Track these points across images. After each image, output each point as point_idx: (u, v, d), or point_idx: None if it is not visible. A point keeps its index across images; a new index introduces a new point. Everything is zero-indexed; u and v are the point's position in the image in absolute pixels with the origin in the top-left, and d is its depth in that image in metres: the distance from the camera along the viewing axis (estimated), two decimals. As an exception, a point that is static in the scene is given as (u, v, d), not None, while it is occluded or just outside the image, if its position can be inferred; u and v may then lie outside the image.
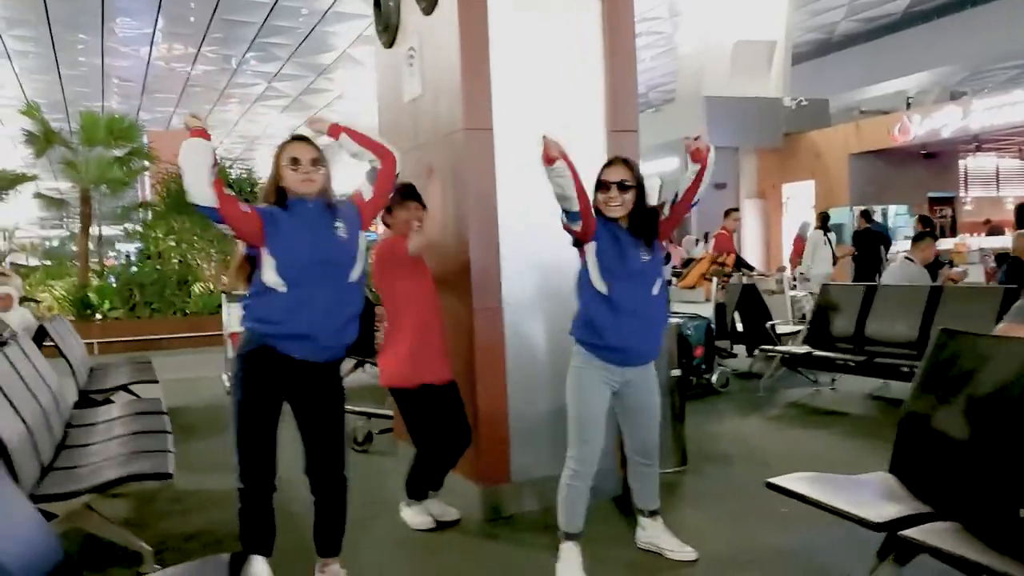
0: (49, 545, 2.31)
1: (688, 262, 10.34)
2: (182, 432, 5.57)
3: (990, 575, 2.54)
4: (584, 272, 3.55)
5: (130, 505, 4.85)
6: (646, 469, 3.78)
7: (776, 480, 3.32)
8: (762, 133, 18.33)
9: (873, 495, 3.23)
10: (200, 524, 4.59)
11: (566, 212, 3.44)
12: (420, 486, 4.32)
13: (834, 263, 13.32)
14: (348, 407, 3.47)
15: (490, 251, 4.37)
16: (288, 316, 3.13)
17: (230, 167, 16.00)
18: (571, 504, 3.58)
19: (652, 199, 3.64)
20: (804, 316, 10.62)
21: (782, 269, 11.28)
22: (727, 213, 10.79)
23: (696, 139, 3.55)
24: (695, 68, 18.16)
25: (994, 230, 17.49)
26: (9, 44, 20.08)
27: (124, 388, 6.54)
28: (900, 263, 7.71)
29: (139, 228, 15.94)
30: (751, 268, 9.71)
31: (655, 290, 3.56)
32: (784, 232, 19.16)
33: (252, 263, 3.25)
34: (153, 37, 20.44)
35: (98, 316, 13.72)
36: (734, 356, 8.66)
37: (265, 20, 19.20)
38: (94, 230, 15.71)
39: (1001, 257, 11.53)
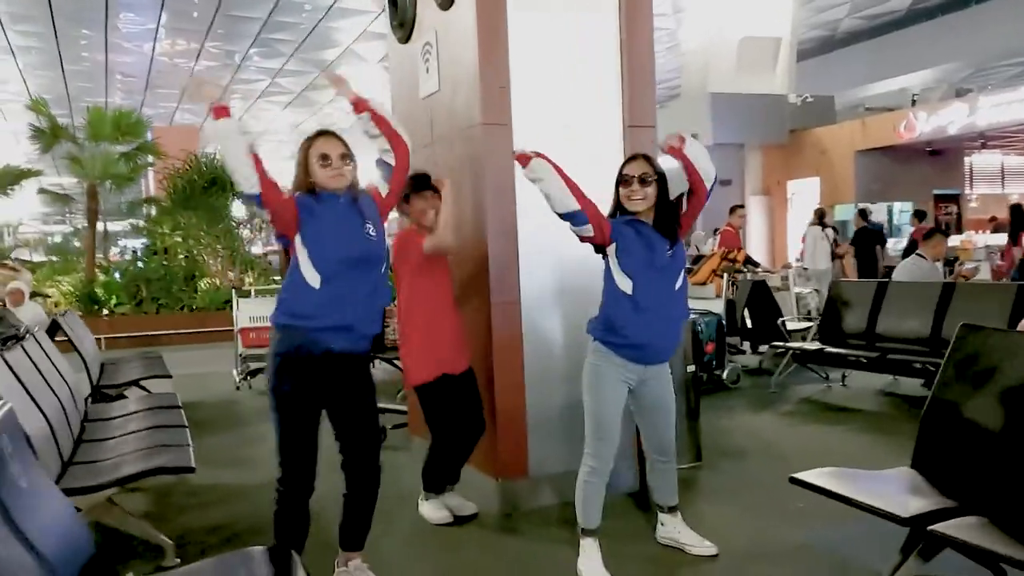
0: (83, 538, 2.32)
1: (698, 259, 10.35)
2: (195, 427, 5.56)
3: (1017, 567, 2.55)
4: (607, 271, 3.54)
5: (148, 500, 4.86)
6: (663, 466, 3.79)
7: (800, 475, 3.33)
8: (767, 130, 18.32)
9: (897, 490, 3.24)
10: (219, 518, 4.61)
11: (565, 216, 3.42)
12: (437, 478, 4.33)
13: (832, 259, 13.37)
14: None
15: (508, 246, 4.38)
16: (326, 309, 3.13)
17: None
18: (589, 501, 3.59)
19: (674, 191, 3.63)
20: (809, 313, 10.67)
21: (788, 266, 11.31)
22: (732, 210, 10.81)
23: (667, 140, 3.55)
24: (700, 64, 18.15)
25: (999, 227, 17.47)
26: (13, 40, 20.09)
27: (137, 383, 6.55)
28: (911, 260, 7.71)
29: (146, 224, 15.94)
30: (756, 265, 9.73)
31: (678, 284, 3.56)
32: (789, 229, 19.15)
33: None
34: (156, 33, 20.44)
35: (104, 312, 13.72)
36: (743, 353, 8.67)
37: (269, 16, 19.21)
38: (99, 226, 15.69)
39: None
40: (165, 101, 27.37)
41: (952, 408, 3.40)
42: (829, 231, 13.52)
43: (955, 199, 19.88)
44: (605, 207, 3.58)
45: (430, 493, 4.37)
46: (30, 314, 6.90)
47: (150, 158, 16.14)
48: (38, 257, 22.65)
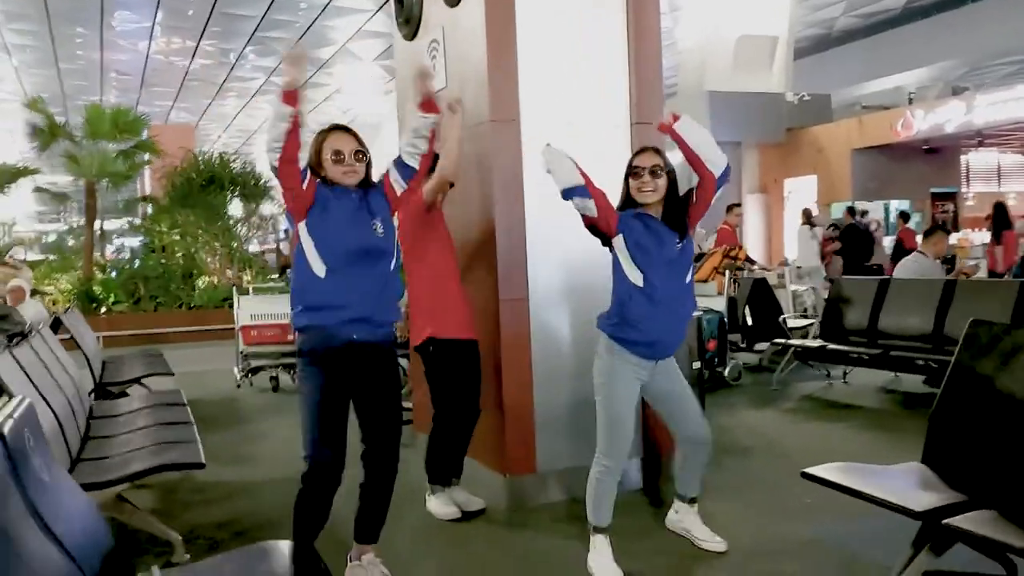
0: (103, 531, 2.31)
1: (699, 256, 10.38)
2: (197, 424, 5.57)
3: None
4: (616, 265, 3.53)
5: (154, 496, 4.85)
6: (700, 457, 3.77)
7: (811, 470, 3.33)
8: (764, 128, 18.33)
9: (909, 485, 3.25)
10: (225, 514, 4.61)
11: (567, 192, 3.43)
12: (440, 468, 4.34)
13: (821, 258, 13.52)
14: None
15: (517, 242, 4.38)
16: (334, 298, 3.16)
17: (233, 161, 15.93)
18: (601, 499, 3.58)
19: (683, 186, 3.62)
20: (806, 310, 10.72)
21: (784, 263, 11.37)
22: (729, 208, 10.84)
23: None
24: (697, 63, 18.14)
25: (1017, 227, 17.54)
26: (8, 38, 20.01)
27: (139, 380, 6.54)
28: (913, 257, 7.73)
29: (144, 222, 15.92)
30: (753, 262, 9.77)
31: (688, 278, 3.57)
32: (786, 227, 19.18)
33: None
34: (152, 31, 20.37)
35: (102, 310, 13.70)
36: (745, 350, 8.69)
37: (264, 14, 19.15)
38: (96, 224, 15.66)
39: None
40: (160, 99, 27.27)
41: (962, 403, 3.41)
42: (817, 230, 13.70)
43: (952, 197, 19.94)
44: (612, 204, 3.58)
45: (436, 487, 4.37)
46: (31, 312, 6.87)
47: (147, 156, 16.10)
48: (33, 256, 22.57)
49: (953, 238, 15.90)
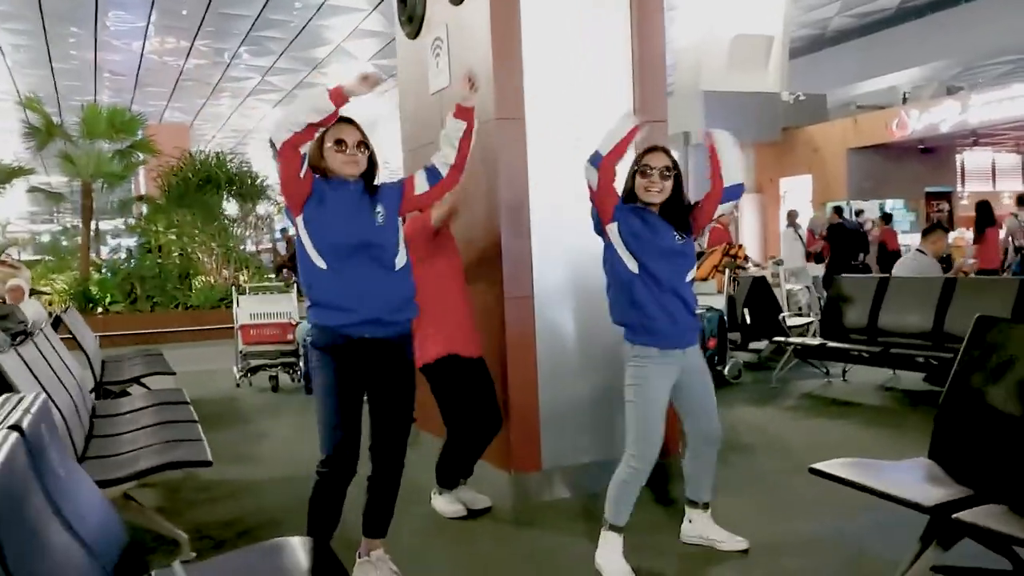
0: (118, 526, 2.32)
1: (699, 255, 10.44)
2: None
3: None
4: (612, 254, 3.53)
5: (158, 495, 4.84)
6: (710, 458, 3.77)
7: (819, 465, 3.34)
8: (760, 127, 18.36)
9: (917, 480, 3.26)
10: (230, 512, 4.61)
11: (594, 155, 3.47)
12: (451, 473, 4.34)
13: (807, 257, 13.65)
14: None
15: (522, 240, 4.39)
16: (338, 295, 3.15)
17: (230, 160, 15.91)
18: (624, 499, 3.56)
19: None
20: (800, 309, 10.75)
21: (779, 263, 11.41)
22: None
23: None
24: (693, 62, 18.17)
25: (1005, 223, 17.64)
26: (2, 38, 19.92)
27: (139, 380, 6.53)
28: (912, 255, 7.76)
29: (141, 222, 15.89)
30: (746, 259, 9.79)
31: (688, 277, 3.58)
32: (781, 226, 19.22)
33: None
34: (146, 31, 20.31)
35: (99, 310, 13.66)
36: (741, 349, 8.71)
37: (259, 14, 19.10)
38: (91, 224, 15.63)
39: None
40: (154, 99, 27.17)
41: (968, 399, 3.43)
42: (802, 231, 13.85)
43: (947, 196, 20.01)
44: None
45: (443, 488, 4.37)
46: (31, 311, 6.83)
47: (142, 156, 16.05)
48: (26, 256, 22.51)
49: (949, 237, 15.98)
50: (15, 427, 1.84)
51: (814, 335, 7.79)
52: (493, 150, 4.36)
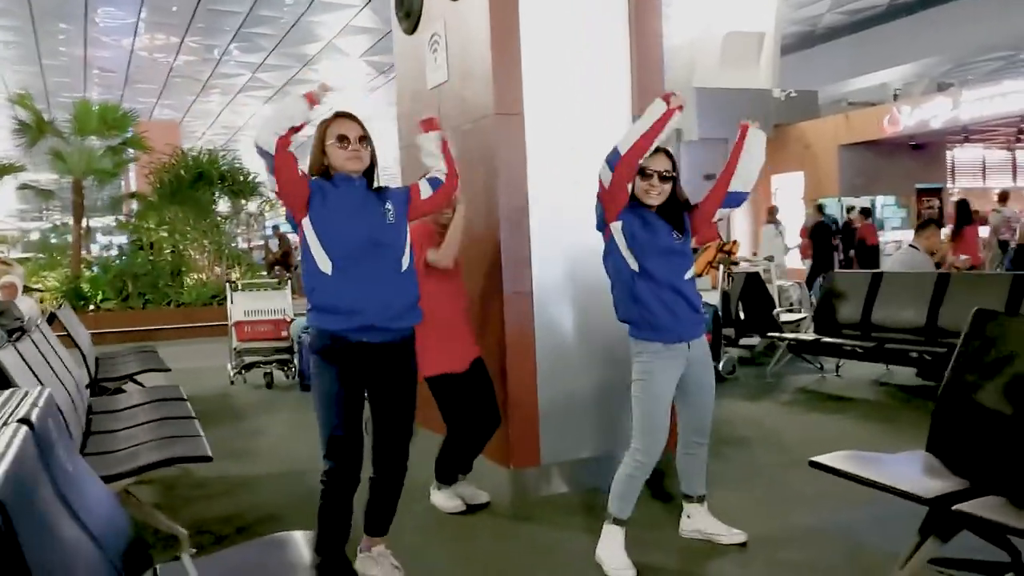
0: (124, 520, 2.31)
1: (693, 251, 10.48)
2: (194, 420, 5.56)
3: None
4: (613, 249, 3.54)
5: (155, 492, 4.84)
6: (699, 449, 3.79)
7: (818, 458, 3.36)
8: (752, 124, 18.37)
9: (915, 472, 3.28)
10: (228, 508, 4.61)
11: (612, 152, 3.41)
12: (450, 470, 4.34)
13: (785, 252, 13.76)
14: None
15: (521, 236, 4.39)
16: (343, 300, 3.09)
17: (222, 156, 15.86)
18: (629, 493, 3.57)
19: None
20: (792, 305, 10.80)
21: (770, 259, 11.45)
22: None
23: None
24: (685, 60, 18.18)
25: (982, 221, 17.77)
26: (-9, 34, 19.83)
27: (133, 377, 6.51)
28: (905, 251, 7.80)
29: (132, 219, 15.83)
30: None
31: (687, 275, 3.59)
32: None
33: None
34: (136, 27, 20.22)
35: (90, 307, 13.62)
36: (733, 344, 8.74)
37: (250, 10, 19.03)
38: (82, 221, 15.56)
39: None
40: (144, 96, 27.05)
41: (966, 392, 3.44)
42: (782, 227, 13.94)
43: (937, 193, 20.10)
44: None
45: (442, 484, 4.37)
46: (25, 308, 6.77)
47: (132, 152, 15.98)
48: (16, 254, 22.40)
49: (941, 233, 16.09)
50: (24, 420, 1.83)
51: (806, 331, 7.82)
52: (492, 146, 4.36)
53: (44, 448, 1.89)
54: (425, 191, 3.39)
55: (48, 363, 4.33)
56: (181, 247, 14.94)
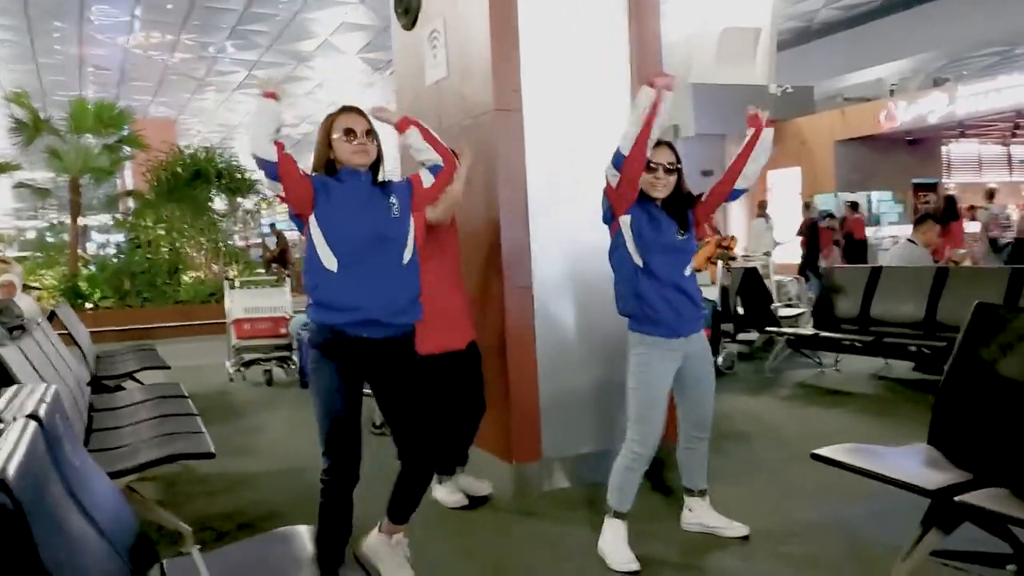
0: (130, 515, 2.32)
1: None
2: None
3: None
4: (620, 244, 3.56)
5: (157, 488, 4.84)
6: (700, 444, 3.80)
7: (821, 451, 3.36)
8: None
9: (917, 464, 3.29)
10: (229, 505, 4.61)
11: (618, 154, 3.39)
12: (445, 460, 4.34)
13: (774, 247, 13.87)
14: (364, 391, 3.42)
15: (521, 231, 4.40)
16: (347, 298, 3.05)
17: (219, 154, 15.85)
18: (627, 485, 3.60)
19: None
20: (791, 300, 10.82)
21: (768, 254, 11.49)
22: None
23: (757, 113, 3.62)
24: (682, 56, 18.18)
25: (973, 216, 17.83)
26: (-14, 32, 19.80)
27: (133, 375, 6.51)
28: (903, 245, 7.82)
29: (129, 217, 15.82)
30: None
31: (687, 271, 3.60)
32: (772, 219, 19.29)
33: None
34: (131, 25, 20.19)
35: (88, 306, 13.61)
36: (731, 340, 8.76)
37: (245, 8, 19.02)
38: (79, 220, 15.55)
39: None
40: (140, 94, 27.02)
41: (967, 385, 3.45)
42: (772, 222, 14.13)
43: (933, 188, 20.13)
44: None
45: (442, 476, 4.38)
46: (24, 306, 6.81)
47: (128, 150, 15.96)
48: (12, 253, 22.37)
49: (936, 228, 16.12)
50: (33, 416, 1.84)
51: (805, 325, 7.84)
52: (492, 142, 4.37)
53: (52, 443, 1.90)
54: (427, 179, 3.33)
55: (50, 360, 4.33)
56: (178, 245, 14.92)
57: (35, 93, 24.41)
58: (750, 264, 9.66)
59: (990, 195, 15.02)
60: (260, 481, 5.07)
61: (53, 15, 18.92)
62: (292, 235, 20.95)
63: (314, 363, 3.16)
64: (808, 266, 13.90)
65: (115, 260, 15.29)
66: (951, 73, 21.74)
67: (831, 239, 15.17)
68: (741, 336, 8.69)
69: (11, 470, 1.46)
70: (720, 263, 8.31)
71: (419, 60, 5.09)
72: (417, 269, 3.26)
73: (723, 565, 3.59)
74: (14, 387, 2.21)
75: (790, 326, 8.10)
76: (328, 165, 3.19)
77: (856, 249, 15.14)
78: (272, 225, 20.31)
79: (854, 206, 16.09)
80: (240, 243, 18.72)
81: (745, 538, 3.76)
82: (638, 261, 3.50)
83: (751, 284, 8.53)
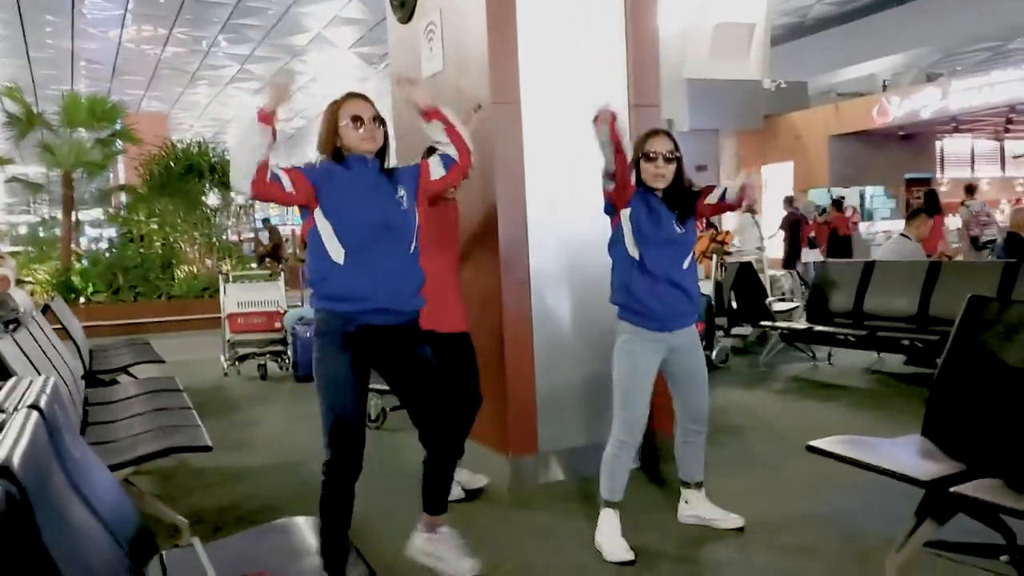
0: (130, 507, 2.32)
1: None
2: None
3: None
4: (619, 238, 3.59)
5: (153, 482, 4.84)
6: (697, 437, 3.82)
7: (816, 443, 3.38)
8: (743, 115, 18.40)
9: (912, 456, 3.31)
10: (226, 498, 4.62)
11: (604, 171, 3.49)
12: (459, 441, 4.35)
13: (760, 242, 13.92)
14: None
15: (518, 225, 4.40)
16: (354, 288, 3.03)
17: (212, 148, 15.79)
18: (615, 474, 3.62)
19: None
20: (784, 294, 10.86)
21: (761, 249, 11.51)
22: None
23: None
24: (677, 51, 18.16)
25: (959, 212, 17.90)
26: (-23, 27, 19.68)
27: (127, 369, 6.51)
28: (896, 240, 7.85)
29: (122, 212, 15.78)
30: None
31: (685, 264, 3.62)
32: (763, 214, 19.32)
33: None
34: (124, 19, 20.10)
35: (81, 300, 13.57)
36: (733, 336, 8.80)
37: (238, 1, 18.95)
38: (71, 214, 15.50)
39: None
40: (132, 88, 26.90)
41: (961, 377, 3.47)
42: (758, 218, 14.14)
43: (927, 183, 20.20)
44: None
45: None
46: (19, 300, 6.79)
47: (121, 145, 15.91)
48: (4, 247, 22.28)
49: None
50: (34, 407, 1.84)
51: (799, 320, 7.87)
52: (489, 135, 4.36)
53: (54, 434, 1.90)
54: (436, 171, 3.27)
55: (45, 354, 4.32)
56: (171, 239, 14.89)
57: (27, 88, 24.30)
58: (744, 259, 9.69)
59: (970, 191, 14.95)
60: (256, 475, 5.07)
61: (45, 9, 18.82)
62: (285, 230, 20.89)
63: (320, 353, 3.11)
64: (791, 259, 13.94)
65: (108, 255, 15.24)
66: (944, 68, 21.79)
67: (827, 233, 15.22)
68: (735, 330, 8.74)
69: (15, 459, 1.46)
70: (715, 257, 8.33)
71: (415, 54, 5.08)
72: (418, 259, 3.23)
73: (719, 556, 3.62)
74: (14, 378, 2.21)
75: (784, 320, 8.13)
76: (335, 152, 3.15)
77: (840, 245, 15.17)
78: (265, 220, 20.26)
79: (837, 204, 16.13)
80: (233, 238, 18.65)
81: (741, 530, 3.78)
82: (634, 254, 3.53)
83: (745, 279, 8.57)
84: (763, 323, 8.01)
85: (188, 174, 14.62)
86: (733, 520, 3.81)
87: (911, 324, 6.75)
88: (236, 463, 5.31)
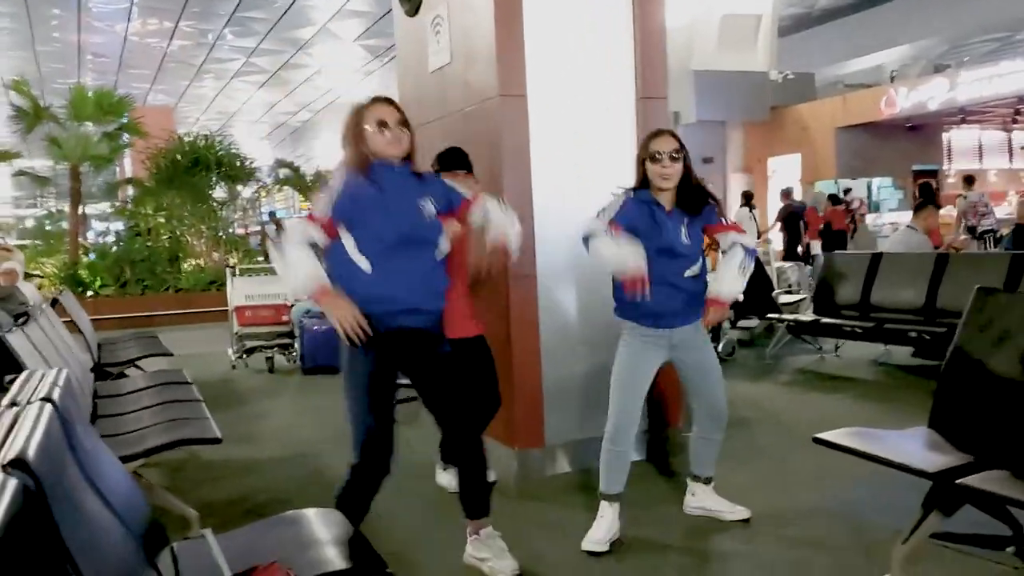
0: (141, 498, 2.34)
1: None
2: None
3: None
4: None
5: (162, 474, 4.86)
6: (715, 434, 3.80)
7: (822, 435, 3.38)
8: (749, 107, 18.36)
9: (919, 447, 3.31)
10: (235, 491, 4.65)
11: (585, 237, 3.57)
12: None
13: (758, 237, 13.95)
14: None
15: (525, 219, 4.37)
16: (381, 293, 3.02)
17: (218, 142, 15.81)
18: (613, 467, 3.63)
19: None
20: (790, 286, 10.85)
21: (768, 241, 11.51)
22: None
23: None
24: (683, 42, 18.11)
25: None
26: (-16, 21, 19.72)
27: (135, 362, 6.53)
28: (903, 231, 7.84)
29: (129, 205, 15.82)
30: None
31: (688, 274, 3.58)
32: (769, 206, 19.28)
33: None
34: (130, 12, 20.12)
35: (89, 293, 13.62)
36: (740, 328, 8.79)
37: (244, -6, 18.98)
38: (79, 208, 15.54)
39: None
40: (138, 81, 26.93)
41: (968, 368, 3.47)
42: (756, 212, 14.37)
43: (934, 174, 20.14)
44: (617, 177, 3.69)
45: (448, 464, 4.40)
46: (28, 294, 6.84)
47: (127, 138, 15.94)
48: (12, 241, 22.35)
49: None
50: (48, 399, 1.86)
51: (805, 312, 7.86)
52: (496, 128, 4.37)
53: (67, 427, 1.92)
54: (474, 219, 3.34)
55: (55, 347, 4.35)
56: (178, 233, 14.92)
57: (34, 81, 24.30)
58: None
59: (969, 181, 14.85)
60: (265, 468, 5.09)
61: (51, 2, 18.84)
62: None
63: (349, 356, 3.10)
64: (789, 253, 13.93)
65: (115, 248, 15.28)
66: (952, 59, 21.70)
67: (844, 220, 15.22)
68: (742, 323, 8.72)
69: (31, 451, 1.48)
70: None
71: (422, 47, 5.09)
72: (444, 264, 3.24)
73: (725, 548, 3.63)
74: (27, 371, 2.23)
75: (790, 312, 8.12)
76: (362, 160, 3.11)
77: (835, 239, 15.12)
78: (272, 213, 20.32)
79: (833, 198, 16.07)
80: (240, 231, 18.69)
81: (747, 521, 3.79)
82: None
83: (752, 271, 8.54)
84: (770, 315, 8.01)
85: (195, 167, 14.65)
86: (739, 512, 3.82)
87: (918, 316, 6.74)
88: (245, 456, 5.33)
